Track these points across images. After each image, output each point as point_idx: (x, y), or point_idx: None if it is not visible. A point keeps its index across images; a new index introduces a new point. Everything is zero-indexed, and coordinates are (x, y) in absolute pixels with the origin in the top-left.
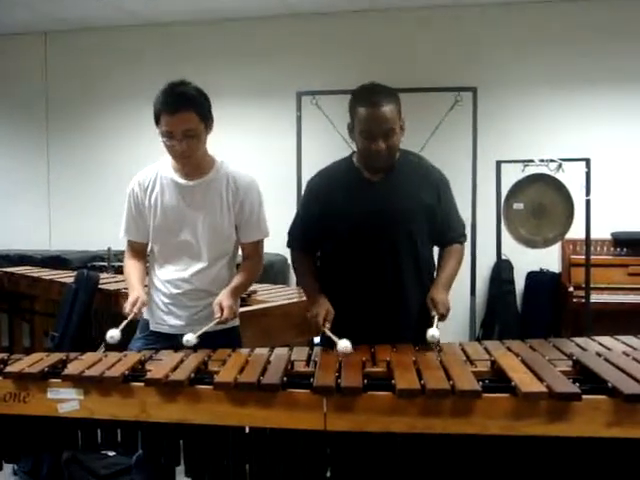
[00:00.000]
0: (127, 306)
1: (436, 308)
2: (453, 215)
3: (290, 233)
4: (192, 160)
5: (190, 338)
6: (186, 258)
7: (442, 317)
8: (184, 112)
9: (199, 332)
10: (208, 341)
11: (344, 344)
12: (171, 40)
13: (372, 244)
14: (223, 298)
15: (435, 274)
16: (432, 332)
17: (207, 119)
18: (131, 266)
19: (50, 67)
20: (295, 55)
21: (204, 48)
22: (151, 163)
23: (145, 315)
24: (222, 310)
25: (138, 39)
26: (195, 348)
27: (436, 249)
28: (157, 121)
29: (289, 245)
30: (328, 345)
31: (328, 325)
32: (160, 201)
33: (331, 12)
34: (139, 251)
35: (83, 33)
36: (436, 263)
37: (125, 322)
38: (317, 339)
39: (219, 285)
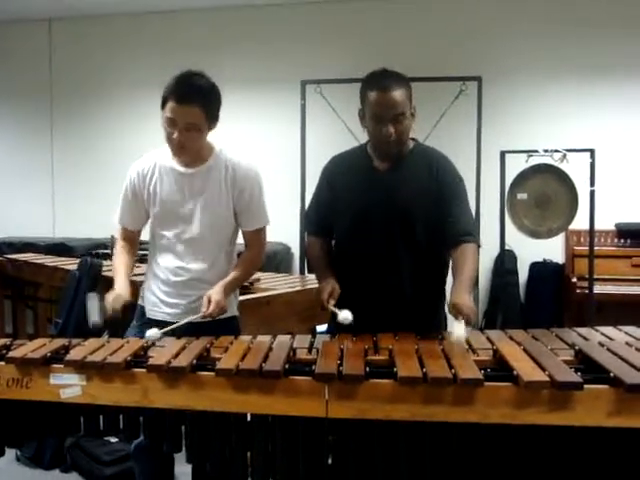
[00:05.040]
0: (110, 300)
1: (461, 312)
2: (461, 214)
3: (306, 216)
4: (187, 152)
5: (153, 334)
6: (185, 246)
7: (468, 320)
8: (192, 105)
9: (166, 329)
10: (207, 331)
11: (344, 315)
12: (175, 28)
13: (370, 234)
14: (213, 292)
15: (452, 277)
16: (457, 332)
17: (213, 118)
18: (121, 261)
19: (54, 53)
20: (299, 44)
21: (209, 36)
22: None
23: (142, 302)
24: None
25: (142, 26)
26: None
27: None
28: (163, 105)
29: (305, 228)
30: (333, 321)
31: (332, 302)
32: (159, 189)
33: (336, 0)
34: (131, 239)
35: (87, 19)
36: (450, 267)
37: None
38: (320, 328)
39: (216, 274)
